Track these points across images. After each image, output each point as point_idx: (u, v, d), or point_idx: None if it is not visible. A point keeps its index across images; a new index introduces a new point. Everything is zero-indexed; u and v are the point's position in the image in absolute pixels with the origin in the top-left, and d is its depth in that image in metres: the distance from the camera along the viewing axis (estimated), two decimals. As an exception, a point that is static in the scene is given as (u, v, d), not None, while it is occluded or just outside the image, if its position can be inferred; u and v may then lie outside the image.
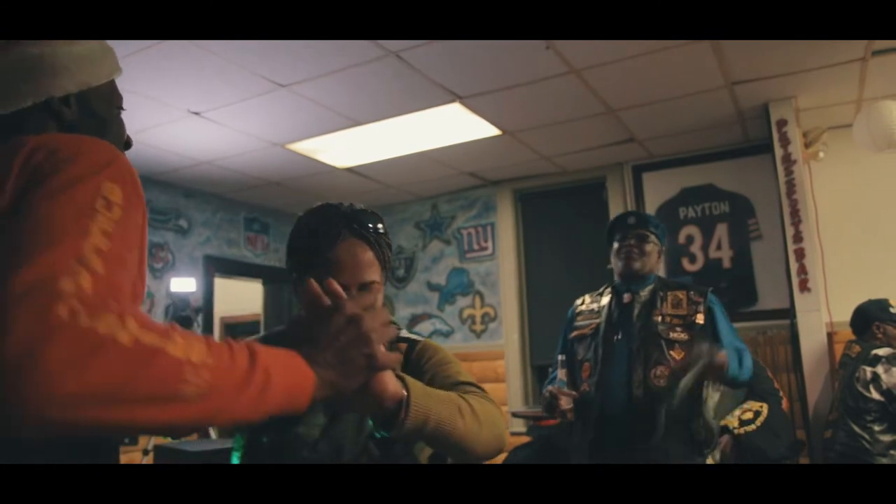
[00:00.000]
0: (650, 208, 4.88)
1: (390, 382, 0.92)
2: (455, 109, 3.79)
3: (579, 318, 2.72)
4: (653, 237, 2.58)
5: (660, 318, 2.45)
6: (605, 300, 2.66)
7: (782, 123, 3.88)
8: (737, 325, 4.07)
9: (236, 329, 7.56)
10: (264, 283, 6.13)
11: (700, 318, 2.42)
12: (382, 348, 0.86)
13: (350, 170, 4.81)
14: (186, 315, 4.59)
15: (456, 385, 1.22)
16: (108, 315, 0.61)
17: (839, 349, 3.65)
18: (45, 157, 0.74)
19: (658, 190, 4.89)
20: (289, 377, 0.76)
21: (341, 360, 0.82)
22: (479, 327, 5.40)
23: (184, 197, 5.14)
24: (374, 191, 5.43)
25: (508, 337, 5.22)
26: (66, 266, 0.63)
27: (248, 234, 5.70)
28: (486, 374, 5.19)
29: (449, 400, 1.06)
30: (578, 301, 2.81)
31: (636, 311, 2.51)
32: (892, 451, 3.10)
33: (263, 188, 5.21)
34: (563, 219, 5.28)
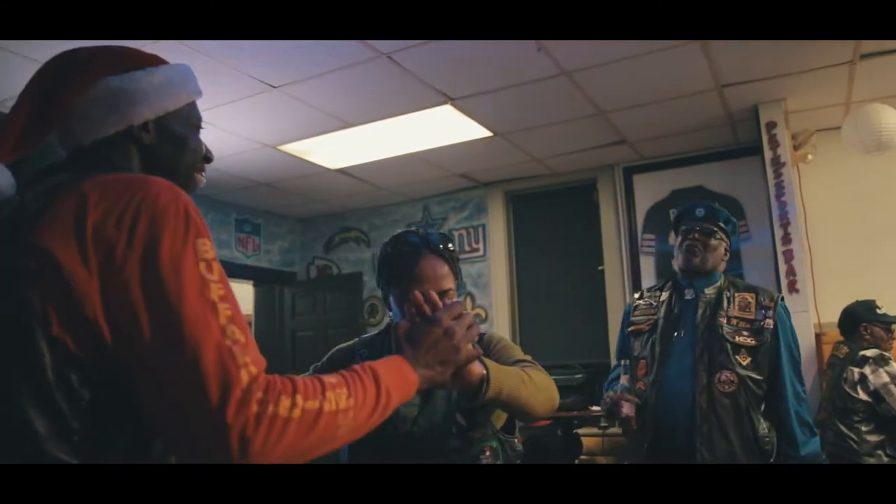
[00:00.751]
0: (641, 210, 4.90)
1: (476, 366, 1.23)
2: (446, 111, 3.80)
3: (636, 312, 2.54)
4: (720, 233, 2.41)
5: (725, 320, 2.30)
6: (665, 295, 2.49)
7: (771, 126, 3.91)
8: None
9: (227, 330, 7.54)
10: (255, 285, 6.12)
11: (769, 324, 2.28)
12: (469, 346, 1.11)
13: (342, 171, 4.81)
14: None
15: (517, 363, 1.57)
16: (284, 399, 0.76)
17: (827, 350, 3.68)
18: (115, 226, 0.78)
19: (649, 192, 4.91)
20: (401, 386, 0.96)
21: (438, 362, 1.06)
22: (470, 329, 5.40)
23: (174, 198, 5.11)
24: (365, 192, 5.43)
25: (499, 338, 5.23)
26: (230, 364, 0.75)
27: (239, 235, 5.69)
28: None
29: (516, 374, 1.40)
30: (636, 295, 2.64)
31: (700, 311, 2.36)
32: (878, 451, 3.12)
33: (254, 189, 5.21)
34: (555, 220, 5.30)
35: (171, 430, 0.77)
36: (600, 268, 5.00)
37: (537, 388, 1.45)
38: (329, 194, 5.49)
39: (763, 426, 2.21)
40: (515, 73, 3.39)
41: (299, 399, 0.77)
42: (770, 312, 2.29)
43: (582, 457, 4.44)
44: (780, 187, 3.85)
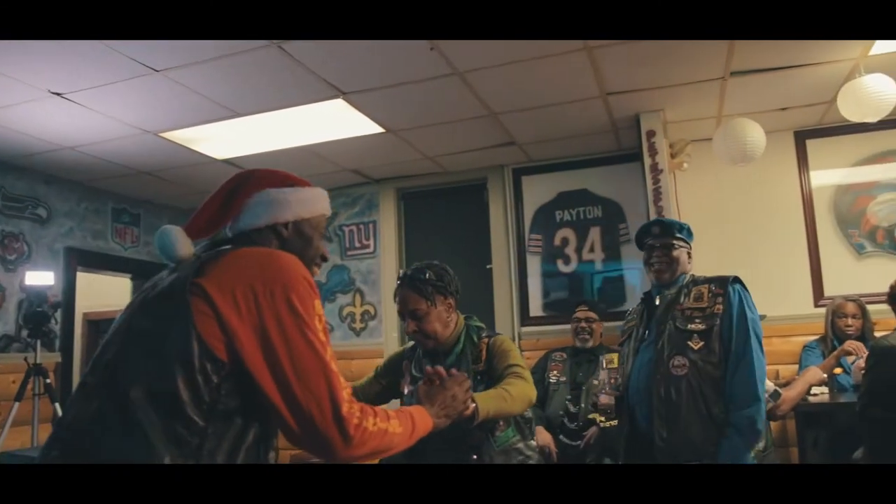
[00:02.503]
0: (528, 210, 5.03)
1: (469, 405, 1.84)
2: (338, 105, 3.75)
3: (624, 325, 2.81)
4: (679, 242, 2.62)
5: (679, 312, 2.49)
6: (642, 305, 2.72)
7: (651, 134, 4.11)
8: (607, 324, 4.32)
9: (101, 325, 7.12)
10: (133, 278, 5.80)
11: (719, 308, 2.44)
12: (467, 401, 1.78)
13: (229, 161, 4.65)
14: (42, 311, 4.25)
15: (507, 367, 2.20)
16: (370, 418, 1.22)
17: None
18: (264, 289, 1.18)
19: (536, 193, 5.05)
20: (424, 427, 1.49)
21: (446, 414, 1.65)
22: (358, 325, 5.37)
23: (44, 184, 4.78)
24: (253, 184, 5.27)
25: (388, 335, 5.23)
26: (336, 385, 1.18)
27: (116, 225, 5.38)
28: (366, 373, 5.12)
29: (498, 396, 2.04)
30: (629, 310, 2.90)
31: (660, 310, 2.55)
32: None
33: (134, 178, 4.94)
34: (445, 218, 5.35)
35: (294, 424, 1.15)
36: (489, 266, 5.10)
37: (514, 399, 2.07)
38: (215, 185, 5.20)
39: (718, 406, 2.35)
40: (408, 71, 3.39)
41: (380, 422, 1.24)
42: (720, 298, 2.45)
43: (474, 456, 4.49)
44: (657, 192, 4.06)
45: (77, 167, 4.62)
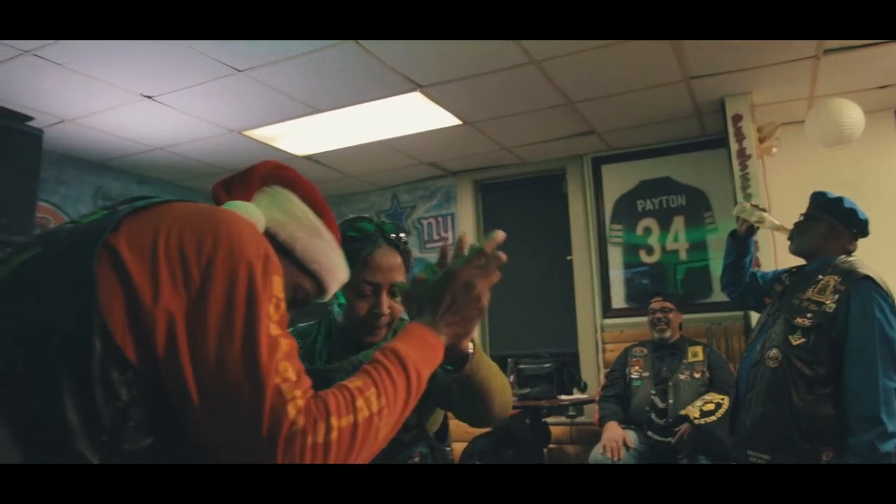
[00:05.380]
0: (609, 200, 4.93)
1: (466, 340, 1.13)
2: (415, 98, 3.77)
3: (775, 284, 2.62)
4: (821, 215, 2.45)
5: (797, 301, 2.31)
6: (788, 276, 2.57)
7: (738, 118, 3.94)
8: (690, 316, 4.18)
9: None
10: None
11: (832, 307, 2.20)
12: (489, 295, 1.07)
13: (309, 158, 4.75)
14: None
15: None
16: (320, 425, 0.77)
17: (789, 340, 3.73)
18: (204, 257, 0.80)
19: (617, 182, 4.94)
20: (429, 356, 0.96)
21: (462, 318, 1.03)
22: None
23: (137, 183, 5.01)
24: (333, 179, 5.38)
25: (468, 327, 5.22)
26: (279, 401, 0.76)
27: (204, 222, 5.58)
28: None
29: (493, 366, 1.36)
30: (780, 275, 2.69)
31: (790, 289, 2.42)
32: None
33: (221, 176, 5.03)
34: (524, 210, 5.31)
35: (218, 447, 0.78)
36: (568, 257, 5.03)
37: (502, 386, 1.40)
38: (297, 181, 5.41)
39: (803, 404, 2.17)
40: (485, 62, 3.37)
41: (333, 421, 0.78)
42: (837, 297, 2.22)
43: (551, 445, 4.46)
44: (745, 179, 3.89)
45: (168, 167, 4.82)
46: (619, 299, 4.83)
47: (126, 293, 0.77)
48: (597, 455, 3.49)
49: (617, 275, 4.86)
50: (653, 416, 3.62)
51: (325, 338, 1.57)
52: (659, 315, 3.89)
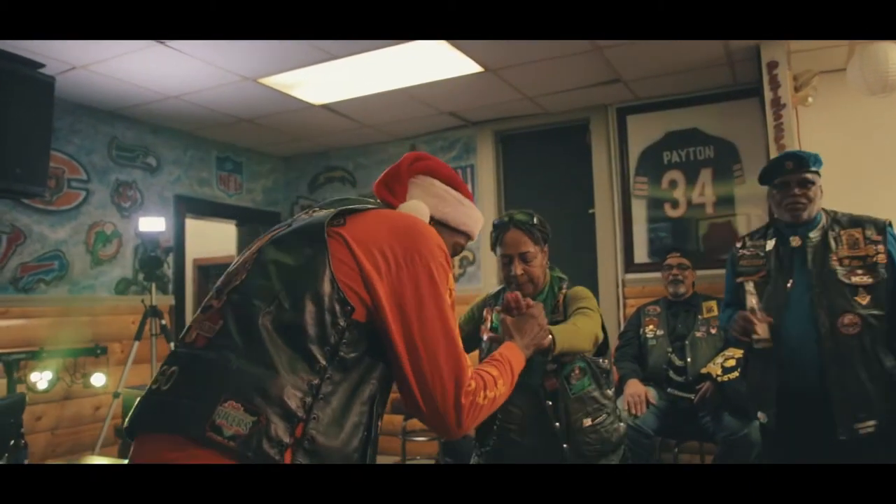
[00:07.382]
0: (634, 152, 4.78)
1: (546, 336, 1.85)
2: (436, 44, 3.62)
3: (742, 261, 2.56)
4: (815, 176, 2.41)
5: (837, 263, 2.28)
6: (770, 244, 2.49)
7: (773, 66, 3.76)
8: (711, 272, 4.08)
9: (209, 270, 7.42)
10: (238, 225, 5.98)
11: (882, 258, 2.24)
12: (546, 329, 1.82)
13: (326, 107, 4.63)
14: (156, 256, 4.44)
15: (577, 309, 2.21)
16: (481, 392, 1.21)
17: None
18: (405, 253, 1.19)
19: (642, 133, 4.78)
20: (520, 363, 1.48)
21: (534, 343, 1.68)
22: (456, 271, 5.33)
23: (151, 133, 4.93)
24: (350, 129, 5.26)
25: (486, 281, 5.16)
26: (464, 378, 1.18)
27: (220, 173, 5.52)
28: (464, 319, 5.13)
29: (569, 330, 2.03)
30: (738, 244, 2.65)
31: (810, 257, 2.35)
32: None
33: (236, 125, 5.02)
34: (545, 161, 5.17)
35: (419, 398, 1.16)
36: (591, 210, 4.91)
37: (582, 334, 2.07)
38: (313, 132, 5.31)
39: (890, 360, 2.22)
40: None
41: (489, 392, 1.24)
42: (880, 246, 2.26)
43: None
44: (779, 130, 3.73)
45: (182, 116, 4.72)
46: (641, 254, 4.73)
47: (357, 267, 1.15)
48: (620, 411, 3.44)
49: (640, 229, 4.74)
50: (671, 373, 3.56)
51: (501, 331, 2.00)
52: (675, 271, 3.84)
